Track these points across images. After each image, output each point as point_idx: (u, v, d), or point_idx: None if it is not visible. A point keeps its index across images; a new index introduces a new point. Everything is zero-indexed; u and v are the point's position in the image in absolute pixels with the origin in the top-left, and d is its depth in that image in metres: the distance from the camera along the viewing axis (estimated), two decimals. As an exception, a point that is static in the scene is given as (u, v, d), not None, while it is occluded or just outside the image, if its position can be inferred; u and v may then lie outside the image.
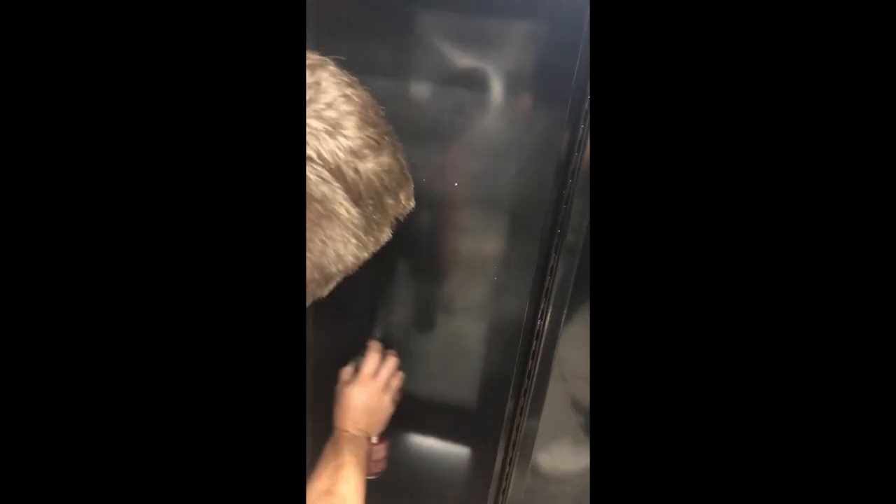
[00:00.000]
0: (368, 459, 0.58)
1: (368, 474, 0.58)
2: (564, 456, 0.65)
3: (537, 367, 0.54)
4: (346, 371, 0.61)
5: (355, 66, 0.34)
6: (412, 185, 0.36)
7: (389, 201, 0.32)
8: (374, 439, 0.61)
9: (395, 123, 0.52)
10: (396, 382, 0.61)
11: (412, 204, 0.36)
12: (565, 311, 0.51)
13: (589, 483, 0.65)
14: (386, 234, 0.34)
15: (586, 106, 0.46)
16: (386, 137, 0.32)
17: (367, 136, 0.29)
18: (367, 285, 0.64)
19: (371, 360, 0.59)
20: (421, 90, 0.53)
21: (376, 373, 0.59)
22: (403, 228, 0.60)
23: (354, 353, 0.66)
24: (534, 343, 0.54)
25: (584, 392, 0.60)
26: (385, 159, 0.31)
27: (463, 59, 0.52)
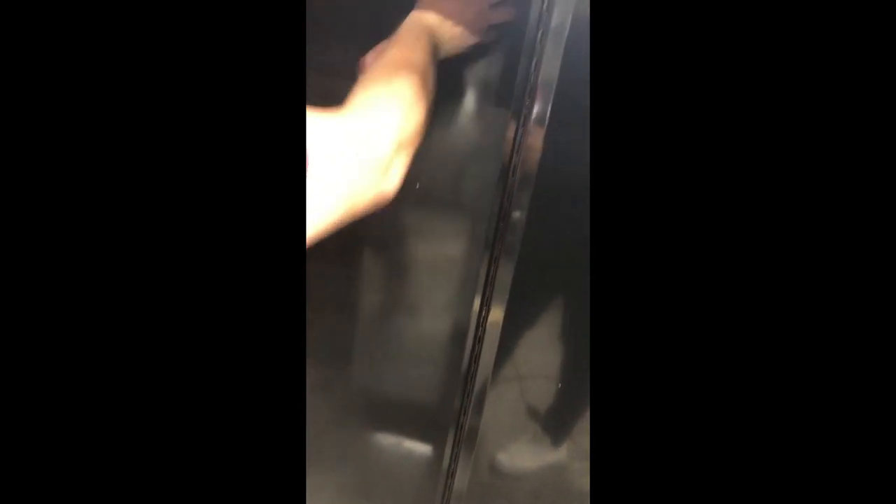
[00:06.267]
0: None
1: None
2: (522, 454, 0.66)
3: (478, 366, 0.55)
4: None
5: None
6: None
7: None
8: None
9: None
10: None
11: None
12: (504, 312, 0.52)
13: (545, 480, 0.66)
14: None
15: (521, 120, 0.46)
16: None
17: None
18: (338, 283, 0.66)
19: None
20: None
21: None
22: (367, 229, 0.62)
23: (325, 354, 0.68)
24: (475, 344, 0.55)
25: (540, 391, 0.61)
26: None
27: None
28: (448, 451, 0.62)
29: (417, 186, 0.59)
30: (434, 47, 0.45)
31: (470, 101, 0.55)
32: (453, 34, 0.47)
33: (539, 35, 0.43)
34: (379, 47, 0.47)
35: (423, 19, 0.46)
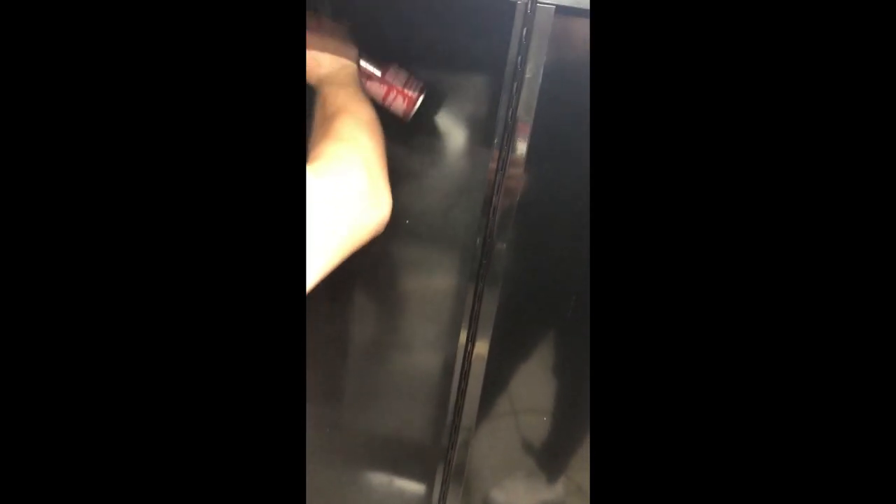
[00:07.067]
0: (374, 89, 0.51)
1: (396, 108, 0.53)
2: (517, 490, 0.65)
3: (465, 400, 0.56)
4: None
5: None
6: None
7: None
8: (372, 70, 0.52)
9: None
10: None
11: None
12: (489, 343, 0.53)
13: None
14: None
15: (505, 154, 0.50)
16: None
17: None
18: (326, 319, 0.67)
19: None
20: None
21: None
22: (356, 265, 0.64)
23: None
24: (461, 378, 0.56)
25: (534, 426, 0.61)
26: None
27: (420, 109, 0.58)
28: (437, 487, 0.61)
29: (407, 222, 0.62)
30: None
31: (456, 141, 0.59)
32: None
33: (514, 85, 0.48)
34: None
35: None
